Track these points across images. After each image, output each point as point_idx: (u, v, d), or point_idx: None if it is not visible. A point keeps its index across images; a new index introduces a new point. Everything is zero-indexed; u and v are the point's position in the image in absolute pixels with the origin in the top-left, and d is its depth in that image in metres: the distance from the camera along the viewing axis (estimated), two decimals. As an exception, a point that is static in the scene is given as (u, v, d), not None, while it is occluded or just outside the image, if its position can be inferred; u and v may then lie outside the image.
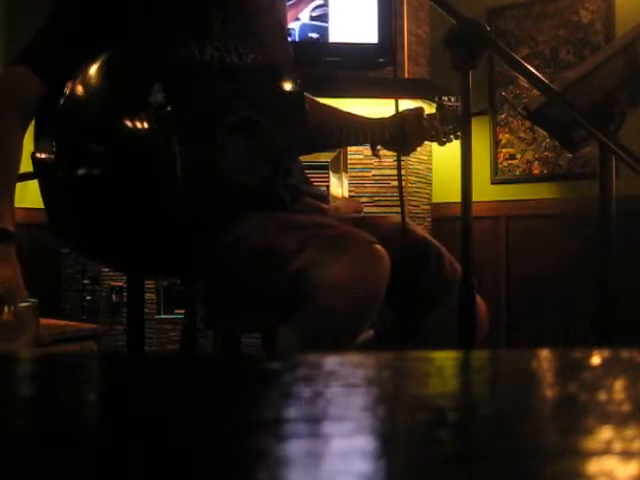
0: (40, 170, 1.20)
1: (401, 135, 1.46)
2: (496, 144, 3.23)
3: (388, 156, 2.85)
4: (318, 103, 1.53)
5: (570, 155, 2.81)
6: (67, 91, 1.20)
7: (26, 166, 1.24)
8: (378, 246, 1.16)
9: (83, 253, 1.44)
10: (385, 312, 1.19)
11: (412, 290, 1.30)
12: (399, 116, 1.45)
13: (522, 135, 3.18)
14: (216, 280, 1.26)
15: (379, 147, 1.50)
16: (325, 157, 2.78)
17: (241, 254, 1.24)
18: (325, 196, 1.51)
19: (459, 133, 1.54)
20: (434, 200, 3.10)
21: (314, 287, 1.13)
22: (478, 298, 1.17)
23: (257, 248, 1.23)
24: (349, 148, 2.78)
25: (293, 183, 1.45)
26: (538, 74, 1.02)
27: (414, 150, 1.51)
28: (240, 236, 1.24)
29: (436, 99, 1.56)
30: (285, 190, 1.36)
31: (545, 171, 3.14)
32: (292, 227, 1.24)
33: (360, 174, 2.86)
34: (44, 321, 1.39)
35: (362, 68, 2.76)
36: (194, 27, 1.32)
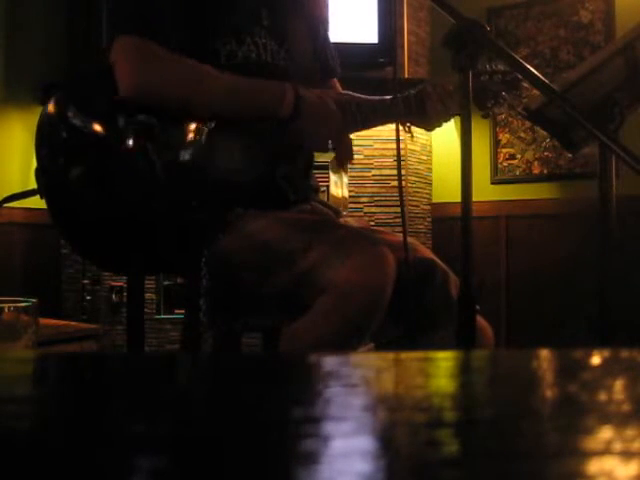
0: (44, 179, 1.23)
1: (422, 113, 1.39)
2: (496, 144, 3.23)
3: (388, 156, 2.85)
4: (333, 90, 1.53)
5: (570, 155, 2.81)
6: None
7: (31, 182, 1.28)
8: (385, 249, 1.16)
9: (85, 255, 1.47)
10: (387, 327, 1.19)
11: (416, 308, 1.29)
12: (422, 94, 1.39)
13: (522, 135, 3.18)
14: (221, 278, 1.26)
15: (408, 124, 1.43)
16: (325, 157, 2.77)
17: (247, 252, 1.24)
18: (338, 210, 1.51)
19: (498, 107, 1.45)
20: (434, 200, 3.10)
21: (320, 289, 1.13)
22: (484, 321, 1.17)
23: (263, 247, 1.23)
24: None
25: (309, 183, 1.45)
26: (538, 74, 1.02)
27: (439, 126, 1.44)
28: (247, 234, 1.24)
29: (486, 66, 1.42)
30: (287, 186, 1.36)
31: (545, 171, 3.14)
32: (299, 227, 1.24)
33: (360, 174, 2.85)
34: (44, 321, 1.39)
35: (362, 68, 2.76)
36: (244, 19, 1.33)
